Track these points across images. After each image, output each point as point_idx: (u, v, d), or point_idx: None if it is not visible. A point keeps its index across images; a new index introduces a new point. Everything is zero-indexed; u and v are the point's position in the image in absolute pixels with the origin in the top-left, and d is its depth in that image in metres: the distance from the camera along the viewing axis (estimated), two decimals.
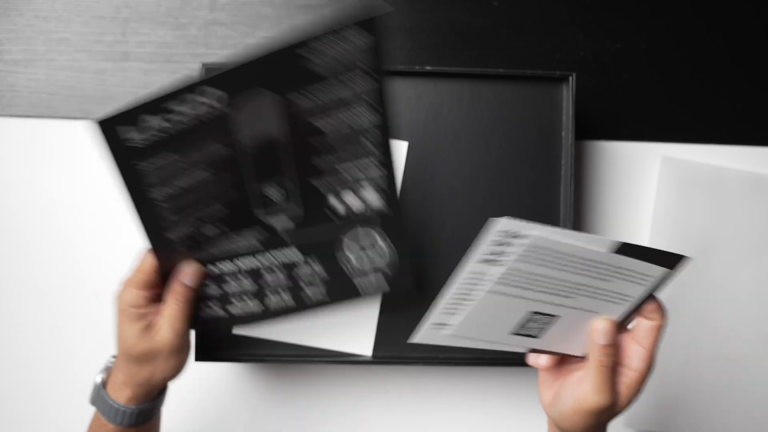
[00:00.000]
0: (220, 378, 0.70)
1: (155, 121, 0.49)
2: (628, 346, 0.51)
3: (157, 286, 0.56)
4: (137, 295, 0.55)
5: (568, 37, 0.72)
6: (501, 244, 0.47)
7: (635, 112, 0.72)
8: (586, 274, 0.49)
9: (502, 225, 0.46)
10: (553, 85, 0.67)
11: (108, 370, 0.57)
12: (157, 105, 0.49)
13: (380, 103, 0.51)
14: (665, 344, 0.70)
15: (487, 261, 0.47)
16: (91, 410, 0.67)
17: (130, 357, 0.55)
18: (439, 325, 0.51)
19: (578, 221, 0.71)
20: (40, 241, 0.69)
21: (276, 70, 0.49)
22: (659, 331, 0.50)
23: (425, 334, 0.51)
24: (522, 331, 0.52)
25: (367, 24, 0.48)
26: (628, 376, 0.50)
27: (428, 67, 0.66)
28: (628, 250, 0.47)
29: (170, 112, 0.49)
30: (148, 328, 0.55)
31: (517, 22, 0.72)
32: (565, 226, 0.67)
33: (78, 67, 0.70)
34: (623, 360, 0.51)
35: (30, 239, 0.69)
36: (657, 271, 0.49)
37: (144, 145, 0.50)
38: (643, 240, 0.71)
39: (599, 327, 0.50)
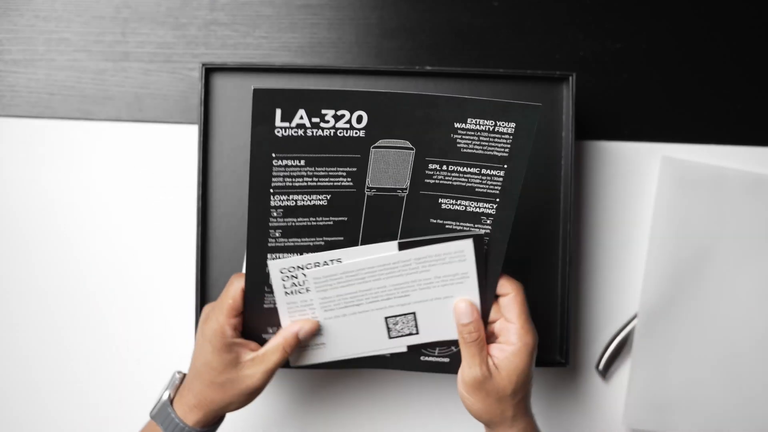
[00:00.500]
0: None
1: (305, 119, 0.49)
2: (501, 323, 0.57)
3: (240, 314, 0.57)
4: (226, 323, 0.55)
5: (568, 37, 0.72)
6: (290, 278, 0.54)
7: (635, 112, 0.72)
8: (399, 275, 0.55)
9: (278, 264, 0.53)
10: (553, 85, 0.67)
11: (175, 388, 0.58)
12: (318, 101, 0.48)
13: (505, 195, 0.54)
14: (663, 343, 0.70)
15: (289, 293, 0.55)
16: (91, 412, 0.67)
17: (213, 384, 0.55)
18: (318, 345, 0.58)
19: (578, 221, 0.71)
20: (40, 241, 0.69)
21: (425, 124, 0.50)
22: (518, 302, 0.56)
23: (308, 355, 0.58)
24: (397, 334, 0.58)
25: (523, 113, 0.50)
26: (505, 351, 0.55)
27: (428, 67, 0.66)
28: (411, 243, 0.54)
29: (319, 115, 0.49)
30: (236, 359, 0.55)
31: (517, 22, 0.72)
32: (565, 226, 0.67)
33: (78, 67, 0.70)
34: (501, 337, 0.56)
35: (30, 239, 0.69)
36: (462, 245, 0.54)
37: (285, 137, 0.50)
38: (643, 240, 0.71)
39: (457, 308, 0.56)
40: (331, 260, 0.54)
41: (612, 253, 0.72)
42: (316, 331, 0.58)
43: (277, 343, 0.56)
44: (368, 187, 0.53)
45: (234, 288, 0.56)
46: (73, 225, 0.70)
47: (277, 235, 0.54)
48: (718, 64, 0.73)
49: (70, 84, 0.70)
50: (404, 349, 0.59)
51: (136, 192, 0.70)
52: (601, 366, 0.71)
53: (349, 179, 0.53)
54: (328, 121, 0.50)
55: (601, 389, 0.72)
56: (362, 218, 0.54)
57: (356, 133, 0.50)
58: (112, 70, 0.70)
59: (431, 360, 0.61)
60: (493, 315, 0.58)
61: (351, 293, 0.55)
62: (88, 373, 0.69)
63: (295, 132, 0.50)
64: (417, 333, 0.58)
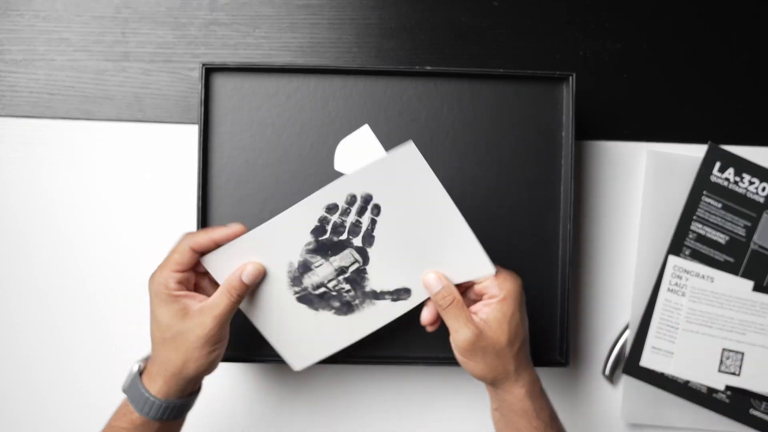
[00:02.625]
0: (220, 378, 0.70)
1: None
2: (478, 284, 0.57)
3: (191, 271, 0.56)
4: (170, 276, 0.55)
5: (568, 37, 0.72)
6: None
7: (635, 112, 0.72)
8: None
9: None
10: (553, 85, 0.67)
11: (146, 360, 0.57)
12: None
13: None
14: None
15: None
16: (89, 412, 0.67)
17: (165, 340, 0.54)
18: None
19: (578, 221, 0.71)
20: (40, 241, 0.69)
21: None
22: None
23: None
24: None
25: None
26: (490, 303, 0.56)
27: (428, 67, 0.66)
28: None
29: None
30: (183, 310, 0.54)
31: (517, 22, 0.72)
32: (565, 226, 0.67)
33: (78, 67, 0.70)
34: (485, 294, 0.57)
35: (30, 239, 0.69)
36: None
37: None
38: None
39: (426, 280, 0.57)
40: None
41: (612, 252, 0.72)
42: (262, 274, 0.57)
43: (222, 289, 0.55)
44: None
45: (182, 245, 0.55)
46: (73, 225, 0.70)
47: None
48: (718, 64, 0.73)
49: (70, 84, 0.70)
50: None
51: (136, 192, 0.70)
52: (607, 371, 0.71)
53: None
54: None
55: (600, 388, 0.72)
56: None
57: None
58: (112, 70, 0.70)
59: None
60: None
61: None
62: (88, 373, 0.69)
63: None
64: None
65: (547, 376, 0.72)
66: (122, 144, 0.70)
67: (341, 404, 0.71)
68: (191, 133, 0.69)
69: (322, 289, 0.59)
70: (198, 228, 0.65)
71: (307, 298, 0.59)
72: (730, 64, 0.73)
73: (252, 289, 0.57)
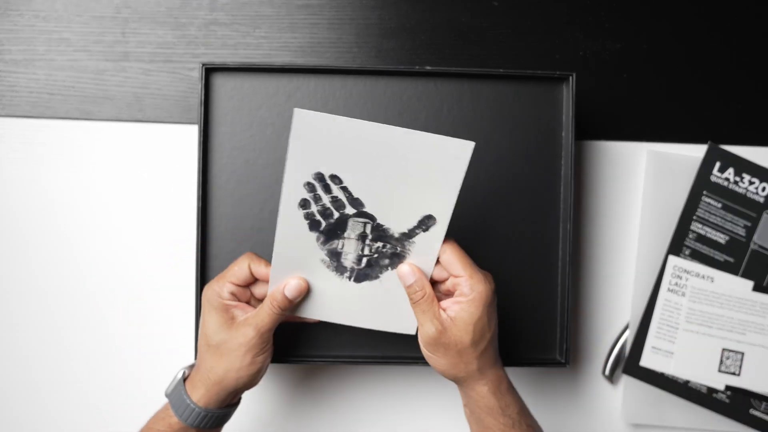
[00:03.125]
0: None
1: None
2: (451, 280, 0.57)
3: (247, 286, 0.58)
4: (224, 286, 0.57)
5: (568, 37, 0.72)
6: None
7: (635, 112, 0.72)
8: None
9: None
10: (553, 85, 0.67)
11: (191, 368, 0.58)
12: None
13: None
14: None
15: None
16: (91, 412, 0.67)
17: (209, 348, 0.56)
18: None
19: (578, 221, 0.71)
20: (40, 241, 0.69)
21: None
22: (457, 256, 0.56)
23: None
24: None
25: None
26: (460, 302, 0.56)
27: (428, 67, 0.66)
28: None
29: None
30: (231, 320, 0.56)
31: (517, 22, 0.72)
32: (565, 226, 0.67)
33: (78, 67, 0.70)
34: (456, 291, 0.57)
35: (30, 239, 0.69)
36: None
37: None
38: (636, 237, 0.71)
39: (400, 272, 0.57)
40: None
41: (612, 252, 0.72)
42: (305, 290, 0.58)
43: (266, 301, 0.57)
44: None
45: (243, 261, 0.57)
46: (73, 225, 0.70)
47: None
48: (718, 65, 0.73)
49: (70, 84, 0.70)
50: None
51: (136, 192, 0.70)
52: (607, 371, 0.71)
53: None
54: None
55: (600, 388, 0.72)
56: None
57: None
58: (112, 70, 0.70)
59: None
60: (438, 273, 0.58)
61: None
62: (88, 373, 0.69)
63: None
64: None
65: (547, 376, 0.72)
66: (122, 144, 0.70)
67: (341, 404, 0.71)
68: (191, 133, 0.69)
69: (365, 260, 0.59)
70: (198, 228, 0.65)
71: (361, 275, 0.59)
72: (730, 64, 0.73)
73: (296, 302, 0.58)
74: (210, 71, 0.66)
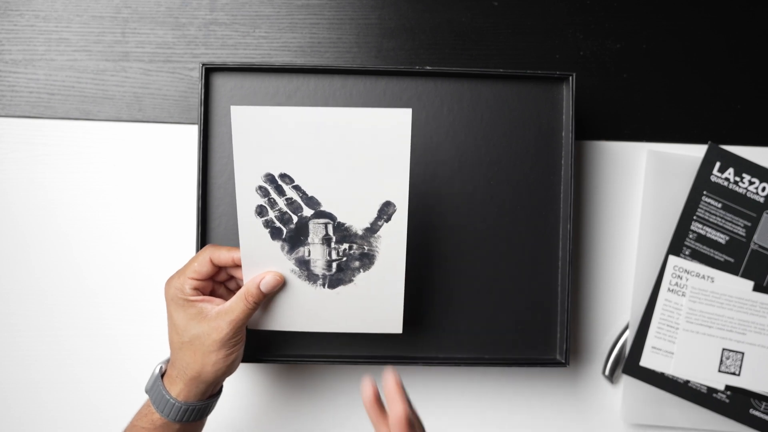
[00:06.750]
0: None
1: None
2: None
3: (208, 280, 0.58)
4: (186, 282, 0.56)
5: (568, 37, 0.72)
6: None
7: (635, 112, 0.72)
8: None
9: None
10: (553, 85, 0.67)
11: (167, 362, 0.58)
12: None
13: None
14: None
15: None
16: (91, 412, 0.67)
17: (182, 344, 0.55)
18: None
19: (578, 221, 0.71)
20: (40, 241, 0.69)
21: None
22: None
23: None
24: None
25: None
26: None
27: (428, 67, 0.66)
28: None
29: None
30: (200, 314, 0.55)
31: (517, 22, 0.72)
32: (565, 226, 0.67)
33: (78, 67, 0.70)
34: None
35: (30, 239, 0.69)
36: None
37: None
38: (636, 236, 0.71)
39: (362, 386, 0.53)
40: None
41: (612, 252, 0.72)
42: (281, 284, 0.58)
43: (240, 294, 0.56)
44: None
45: (204, 255, 0.57)
46: (73, 225, 0.70)
47: None
48: (718, 64, 0.73)
49: (70, 84, 0.70)
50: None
51: (135, 192, 0.70)
52: (607, 371, 0.71)
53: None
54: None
55: (600, 388, 0.72)
56: None
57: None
58: (112, 70, 0.70)
59: None
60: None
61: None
62: (88, 373, 0.69)
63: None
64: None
65: (547, 376, 0.72)
66: (122, 144, 0.70)
67: (341, 404, 0.71)
68: (191, 133, 0.69)
69: (335, 264, 0.58)
70: (198, 228, 0.65)
71: (335, 280, 0.59)
72: (729, 64, 0.73)
73: (269, 297, 0.58)
74: (210, 71, 0.66)
